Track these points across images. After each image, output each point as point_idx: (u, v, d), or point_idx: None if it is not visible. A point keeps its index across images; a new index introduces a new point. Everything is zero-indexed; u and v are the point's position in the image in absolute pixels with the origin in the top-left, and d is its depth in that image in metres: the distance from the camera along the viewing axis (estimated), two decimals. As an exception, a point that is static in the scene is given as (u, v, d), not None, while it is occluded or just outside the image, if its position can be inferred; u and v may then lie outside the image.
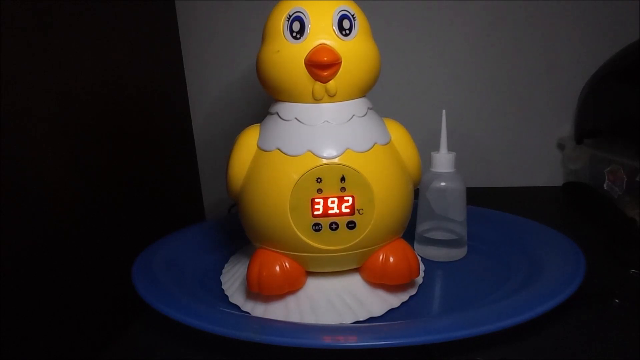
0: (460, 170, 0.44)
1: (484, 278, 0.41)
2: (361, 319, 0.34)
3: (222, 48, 0.64)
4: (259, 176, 0.35)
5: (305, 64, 0.33)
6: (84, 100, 0.43)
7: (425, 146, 0.42)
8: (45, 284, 0.37)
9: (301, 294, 0.37)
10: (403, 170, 0.37)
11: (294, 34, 0.34)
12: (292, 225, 0.34)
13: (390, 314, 0.35)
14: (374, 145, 0.35)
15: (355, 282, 0.37)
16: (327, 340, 0.30)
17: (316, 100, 0.35)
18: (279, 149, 0.34)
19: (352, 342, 0.30)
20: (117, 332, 0.36)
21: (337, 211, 0.34)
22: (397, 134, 0.38)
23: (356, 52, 0.34)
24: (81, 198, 0.42)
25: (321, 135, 0.34)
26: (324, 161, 0.34)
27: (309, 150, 0.34)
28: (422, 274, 0.40)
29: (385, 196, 0.35)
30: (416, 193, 0.41)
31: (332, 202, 0.34)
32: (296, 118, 0.35)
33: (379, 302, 0.36)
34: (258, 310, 0.36)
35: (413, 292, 0.38)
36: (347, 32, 0.34)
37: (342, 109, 0.35)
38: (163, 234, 0.47)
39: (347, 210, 0.34)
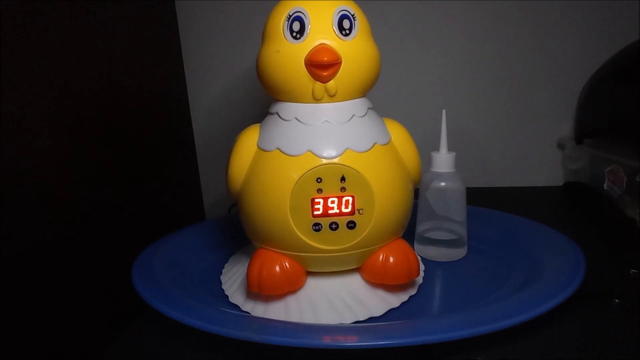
0: (460, 170, 0.43)
1: (484, 278, 0.41)
2: (361, 319, 0.34)
3: (222, 48, 0.64)
4: (259, 176, 0.35)
5: (305, 64, 0.33)
6: (84, 100, 0.43)
7: (425, 146, 0.42)
8: (45, 284, 0.37)
9: (301, 294, 0.37)
10: (403, 170, 0.37)
11: (294, 34, 0.34)
12: (292, 225, 0.34)
13: (390, 314, 0.35)
14: (374, 145, 0.35)
15: (355, 282, 0.37)
16: (327, 340, 0.30)
17: (316, 100, 0.35)
18: (279, 149, 0.34)
19: (352, 342, 0.30)
20: (117, 332, 0.36)
21: (337, 211, 0.34)
22: (397, 134, 0.38)
23: (356, 52, 0.34)
24: (81, 198, 0.42)
25: (321, 135, 0.34)
26: (324, 161, 0.34)
27: (309, 150, 0.34)
28: (422, 274, 0.40)
29: (385, 196, 0.35)
30: (416, 193, 0.41)
31: (332, 202, 0.34)
32: (296, 118, 0.35)
33: (379, 302, 0.36)
34: (258, 310, 0.36)
35: (413, 292, 0.38)
36: (347, 32, 0.34)
37: (342, 109, 0.35)
38: (163, 234, 0.47)
39: (347, 210, 0.34)
